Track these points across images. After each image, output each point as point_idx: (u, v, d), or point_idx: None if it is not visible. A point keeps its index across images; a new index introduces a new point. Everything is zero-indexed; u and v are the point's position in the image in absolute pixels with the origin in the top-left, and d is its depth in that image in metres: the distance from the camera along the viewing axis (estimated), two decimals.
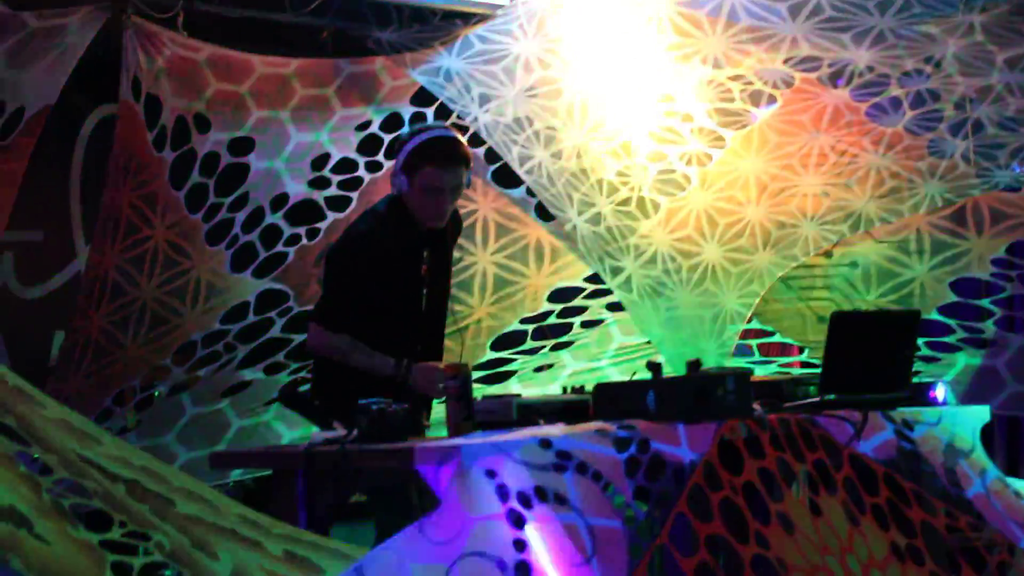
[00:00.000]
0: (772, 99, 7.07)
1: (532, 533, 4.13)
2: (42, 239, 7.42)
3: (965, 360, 7.25)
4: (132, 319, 6.74)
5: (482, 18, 7.02)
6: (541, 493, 4.23)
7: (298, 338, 7.20)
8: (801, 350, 7.81)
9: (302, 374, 7.19)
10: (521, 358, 7.58)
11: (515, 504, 4.16)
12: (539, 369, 7.62)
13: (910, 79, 6.81)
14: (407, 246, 5.68)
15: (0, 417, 3.39)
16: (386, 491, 5.28)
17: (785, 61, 6.84)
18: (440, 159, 5.60)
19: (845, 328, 5.27)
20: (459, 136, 5.80)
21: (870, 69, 6.80)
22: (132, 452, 3.64)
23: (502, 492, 4.16)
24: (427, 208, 5.63)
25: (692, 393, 4.75)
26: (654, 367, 4.95)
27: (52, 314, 7.32)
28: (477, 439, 4.40)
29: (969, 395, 7.00)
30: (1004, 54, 6.59)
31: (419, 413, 4.69)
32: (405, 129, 5.72)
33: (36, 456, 3.43)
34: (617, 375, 7.43)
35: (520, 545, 4.09)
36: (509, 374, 7.51)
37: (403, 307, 5.67)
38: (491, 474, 4.18)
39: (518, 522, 4.13)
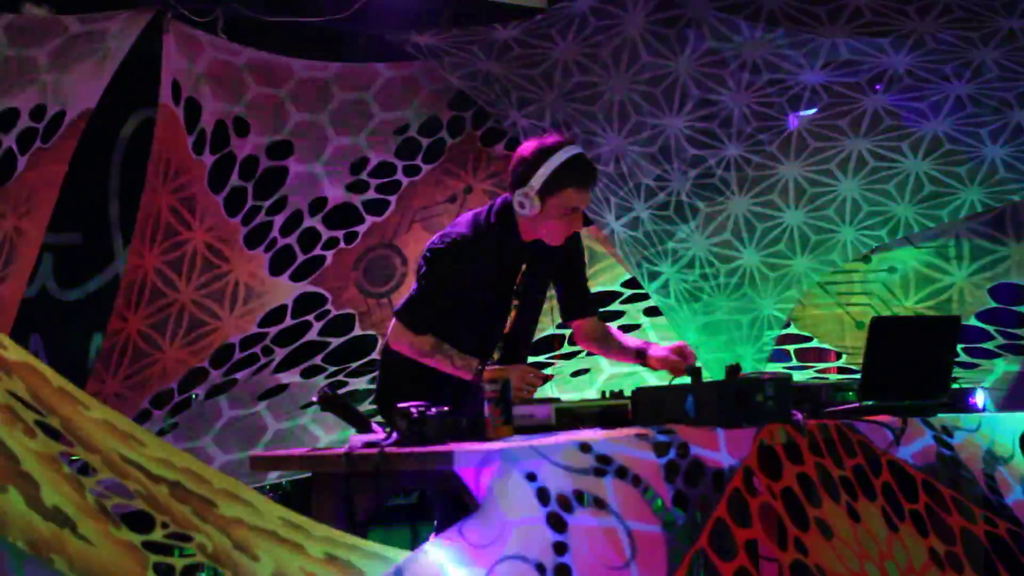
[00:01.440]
0: (811, 103, 7.05)
1: (572, 537, 4.13)
2: (81, 241, 7.45)
3: (1004, 366, 7.23)
4: (170, 321, 6.78)
5: (521, 21, 7.01)
6: (581, 497, 4.23)
7: (336, 341, 7.23)
8: (838, 356, 7.79)
9: (339, 378, 7.22)
10: (559, 362, 7.57)
11: (555, 507, 4.15)
12: (576, 373, 7.62)
13: (949, 84, 6.78)
14: (507, 260, 5.48)
15: (44, 417, 3.39)
16: (440, 494, 5.27)
17: (824, 66, 6.82)
18: (583, 181, 5.37)
19: (885, 334, 5.24)
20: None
21: (909, 74, 6.78)
22: (174, 453, 3.64)
23: (542, 495, 4.15)
24: (560, 229, 5.39)
25: (732, 398, 4.73)
26: (693, 372, 4.94)
27: (90, 316, 7.37)
28: (517, 442, 4.40)
29: (1008, 401, 6.98)
30: None
31: (460, 415, 4.66)
32: (529, 146, 5.42)
33: (75, 457, 3.44)
34: (654, 380, 7.42)
35: (560, 548, 4.08)
36: (546, 378, 7.51)
37: (489, 321, 5.51)
38: (531, 477, 4.18)
39: (558, 525, 4.12)
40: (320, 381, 7.16)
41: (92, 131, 6.48)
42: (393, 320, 5.50)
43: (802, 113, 7.17)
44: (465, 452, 4.23)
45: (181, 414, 6.96)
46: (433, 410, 4.53)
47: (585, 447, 4.35)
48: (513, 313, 5.53)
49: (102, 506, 3.31)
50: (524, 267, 5.52)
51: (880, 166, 7.13)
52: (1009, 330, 7.26)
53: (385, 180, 7.26)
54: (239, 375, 7.04)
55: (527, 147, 5.40)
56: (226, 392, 7.05)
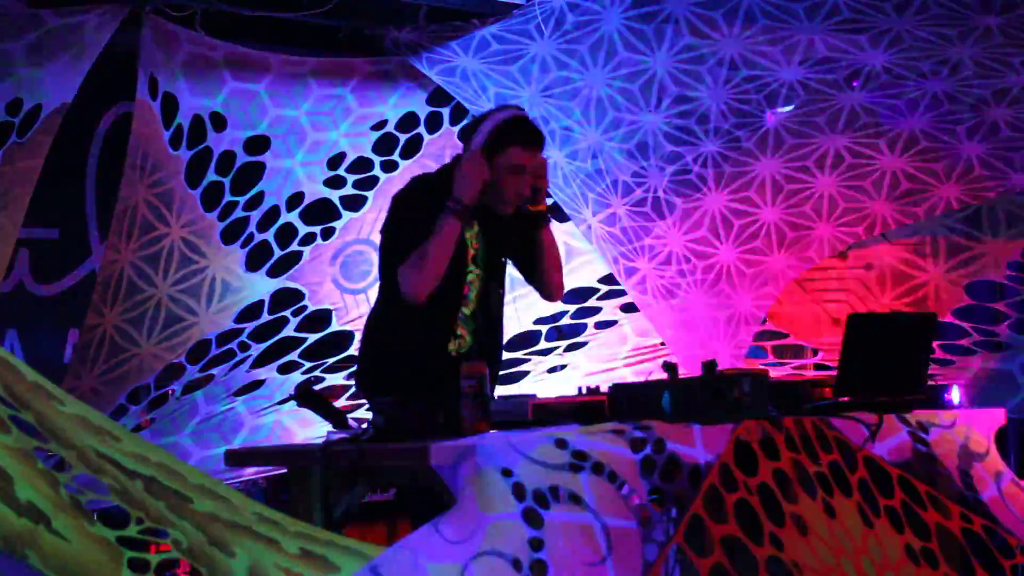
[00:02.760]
0: (788, 100, 7.06)
1: (548, 532, 4.13)
2: (57, 237, 7.43)
3: (980, 364, 7.25)
4: (147, 317, 6.76)
5: (498, 18, 7.01)
6: (557, 493, 4.23)
7: (312, 337, 7.22)
8: (814, 352, 7.80)
9: (316, 373, 7.21)
10: (535, 358, 7.58)
11: (531, 503, 4.15)
12: (552, 370, 7.62)
13: (926, 81, 6.79)
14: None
15: (19, 412, 3.39)
16: (416, 489, 5.26)
17: (801, 62, 6.82)
18: (526, 140, 5.41)
19: (861, 330, 5.26)
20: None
21: (886, 71, 6.79)
22: (150, 448, 3.64)
23: (518, 491, 4.16)
24: (508, 190, 5.40)
25: (708, 394, 4.74)
26: (670, 368, 4.94)
27: (67, 312, 7.33)
28: (493, 438, 4.40)
29: (983, 398, 7.00)
30: (1021, 56, 6.57)
31: (437, 412, 4.66)
32: (474, 113, 5.56)
33: (51, 452, 3.43)
34: (631, 376, 7.43)
35: (536, 544, 4.09)
36: (523, 374, 7.51)
37: (451, 283, 5.41)
38: (507, 473, 4.18)
39: (534, 521, 4.13)
40: (297, 377, 7.14)
41: (69, 126, 6.45)
42: (398, 276, 5.38)
43: (779, 110, 7.17)
44: (441, 447, 4.23)
45: (158, 410, 6.93)
46: (410, 405, 4.54)
47: (561, 443, 4.35)
48: (475, 281, 5.51)
49: (76, 502, 3.31)
50: (476, 228, 5.47)
51: (857, 163, 7.14)
52: (985, 327, 7.28)
53: (363, 176, 7.25)
54: (215, 371, 7.02)
55: (485, 111, 5.53)
56: (202, 388, 7.03)
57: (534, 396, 5.06)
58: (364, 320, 5.87)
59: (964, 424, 5.49)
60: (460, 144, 5.54)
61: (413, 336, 5.37)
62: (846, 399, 5.17)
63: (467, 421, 4.68)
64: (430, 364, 5.31)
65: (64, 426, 3.46)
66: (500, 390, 6.33)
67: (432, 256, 5.28)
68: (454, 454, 4.20)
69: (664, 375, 4.99)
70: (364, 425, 4.68)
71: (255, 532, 3.62)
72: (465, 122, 5.57)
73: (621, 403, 4.88)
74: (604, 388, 5.11)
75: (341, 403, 6.98)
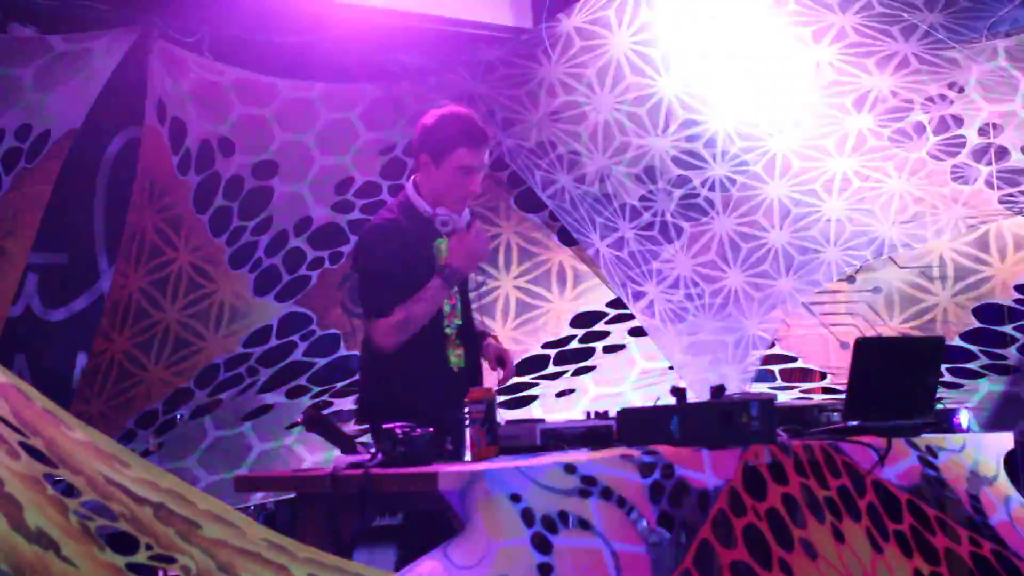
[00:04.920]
0: (796, 123, 7.05)
1: (557, 558, 4.13)
2: (66, 261, 7.43)
3: (988, 387, 7.24)
4: (155, 342, 6.75)
5: (506, 42, 7.02)
6: (566, 518, 4.23)
7: (321, 361, 7.22)
8: (822, 376, 7.79)
9: (324, 398, 7.21)
10: (543, 383, 7.57)
11: (540, 528, 4.16)
12: (561, 394, 7.62)
13: (934, 104, 6.79)
14: (425, 239, 5.59)
15: (27, 439, 3.38)
16: (421, 515, 5.27)
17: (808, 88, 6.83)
18: (472, 140, 5.58)
19: (869, 354, 5.26)
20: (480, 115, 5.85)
21: (893, 94, 6.79)
22: (159, 475, 3.63)
23: (527, 516, 4.16)
24: (458, 189, 5.58)
25: (716, 419, 4.74)
26: (678, 392, 4.95)
27: (75, 336, 7.32)
28: (502, 463, 4.40)
29: (992, 422, 6.99)
30: None
31: (444, 437, 4.66)
32: (424, 119, 5.69)
33: (58, 478, 3.42)
34: (639, 400, 7.42)
35: (545, 569, 4.09)
36: (531, 399, 7.51)
37: None
38: (516, 498, 4.18)
39: (543, 547, 4.13)
40: (305, 402, 7.14)
41: (77, 151, 6.46)
42: (369, 327, 5.51)
43: (787, 133, 7.16)
44: (450, 473, 4.23)
45: (166, 434, 6.93)
46: (418, 431, 4.54)
47: (570, 468, 4.36)
48: (456, 294, 5.64)
49: (86, 528, 3.30)
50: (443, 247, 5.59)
51: (865, 186, 7.14)
52: (993, 350, 7.26)
53: (370, 200, 7.24)
54: (224, 395, 7.02)
55: (424, 116, 5.69)
56: (211, 413, 7.03)
57: (542, 421, 5.07)
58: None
59: (973, 448, 5.49)
60: (422, 154, 5.66)
61: (415, 360, 5.42)
62: (855, 423, 5.16)
63: (475, 446, 4.69)
64: (437, 383, 5.35)
65: (73, 452, 3.45)
66: (508, 414, 6.35)
67: (419, 323, 5.46)
68: (463, 479, 4.20)
69: (673, 400, 5.00)
70: (372, 450, 4.68)
71: (264, 558, 3.60)
72: (418, 131, 5.66)
73: (629, 428, 4.88)
74: (612, 412, 5.12)
75: (349, 428, 6.97)
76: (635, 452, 4.55)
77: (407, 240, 5.53)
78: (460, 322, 5.62)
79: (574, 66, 6.96)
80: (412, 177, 5.72)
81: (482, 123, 5.71)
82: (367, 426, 5.54)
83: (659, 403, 5.55)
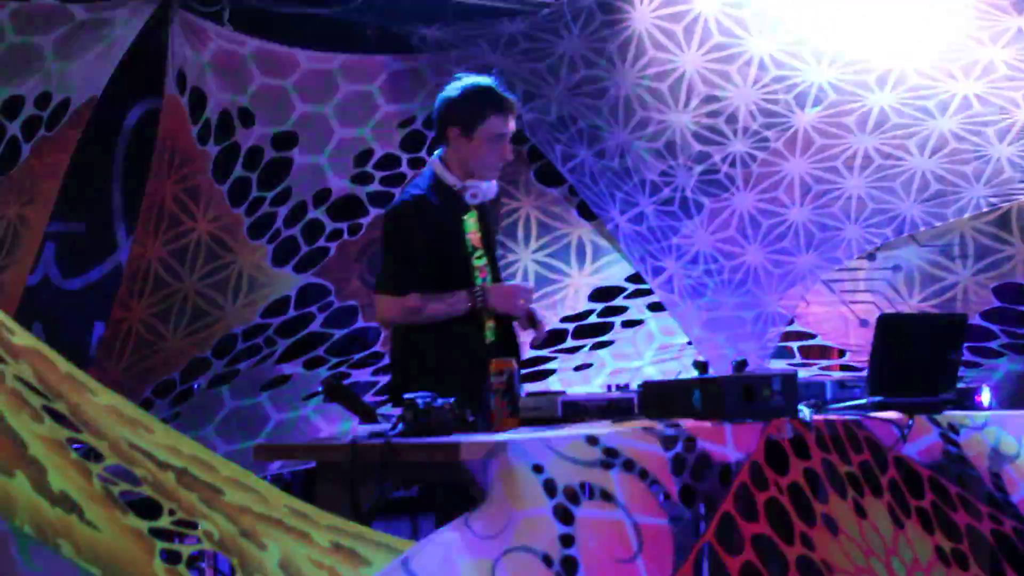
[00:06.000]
0: (817, 100, 7.00)
1: (579, 529, 4.11)
2: (84, 230, 7.43)
3: (1007, 366, 7.21)
4: (173, 311, 6.76)
5: (527, 15, 6.98)
6: (588, 490, 4.22)
7: (338, 332, 7.22)
8: (840, 354, 7.77)
9: (342, 369, 7.20)
10: (561, 356, 7.56)
11: (562, 499, 4.14)
12: (578, 368, 7.60)
13: (956, 82, 6.74)
14: (454, 214, 5.62)
15: (51, 403, 3.38)
16: (437, 488, 5.28)
17: (831, 63, 6.77)
18: (502, 108, 5.62)
19: (893, 331, 5.25)
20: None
21: (916, 72, 6.74)
22: (182, 440, 3.62)
23: (549, 487, 4.15)
24: (490, 157, 5.62)
25: (739, 392, 4.72)
26: (701, 366, 4.93)
27: (92, 305, 7.33)
28: (523, 434, 4.39)
29: (1010, 401, 6.95)
30: None
31: (465, 408, 4.64)
32: (446, 92, 5.70)
33: (77, 444, 3.42)
34: (656, 375, 7.40)
35: (567, 540, 4.08)
36: (549, 372, 7.49)
37: (460, 275, 5.61)
38: (538, 469, 4.17)
39: (565, 518, 4.12)
40: (322, 373, 7.13)
41: (95, 120, 6.44)
42: (376, 296, 5.54)
43: (809, 109, 7.12)
44: (472, 443, 4.22)
45: (183, 404, 6.93)
46: (439, 401, 4.53)
47: (592, 440, 4.35)
48: (486, 266, 5.69)
49: (109, 492, 3.30)
50: (473, 221, 5.65)
51: (886, 164, 7.10)
52: (1013, 329, 7.24)
53: (390, 172, 7.23)
54: (241, 365, 7.01)
55: (446, 90, 5.73)
56: (228, 382, 7.03)
57: (564, 393, 5.05)
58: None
59: (995, 426, 5.47)
60: (451, 128, 5.67)
61: (450, 333, 5.44)
62: (877, 399, 5.14)
63: (496, 417, 4.68)
64: (470, 356, 5.35)
65: (96, 417, 3.45)
66: (527, 387, 6.34)
67: (426, 320, 5.51)
68: (485, 450, 4.18)
69: (695, 373, 4.99)
70: (393, 420, 4.67)
71: (286, 525, 3.60)
72: (443, 106, 5.68)
73: (651, 401, 4.87)
74: (632, 387, 5.11)
75: (368, 398, 6.97)
76: (657, 424, 4.54)
77: (436, 217, 5.55)
78: None
79: (596, 40, 6.92)
80: (439, 151, 5.69)
81: (505, 90, 5.72)
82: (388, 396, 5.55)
83: (681, 376, 5.53)
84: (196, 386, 6.96)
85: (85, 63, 6.23)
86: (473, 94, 5.65)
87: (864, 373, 6.85)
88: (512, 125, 5.68)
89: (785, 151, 7.16)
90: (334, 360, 7.19)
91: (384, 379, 7.15)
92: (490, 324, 5.55)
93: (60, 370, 3.47)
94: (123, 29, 6.25)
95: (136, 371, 6.72)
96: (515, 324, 5.74)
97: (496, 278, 5.71)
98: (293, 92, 6.93)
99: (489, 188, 5.65)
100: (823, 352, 7.80)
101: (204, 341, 6.87)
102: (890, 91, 6.78)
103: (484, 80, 5.75)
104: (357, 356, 7.25)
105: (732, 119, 7.08)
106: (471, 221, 5.59)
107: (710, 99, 7.01)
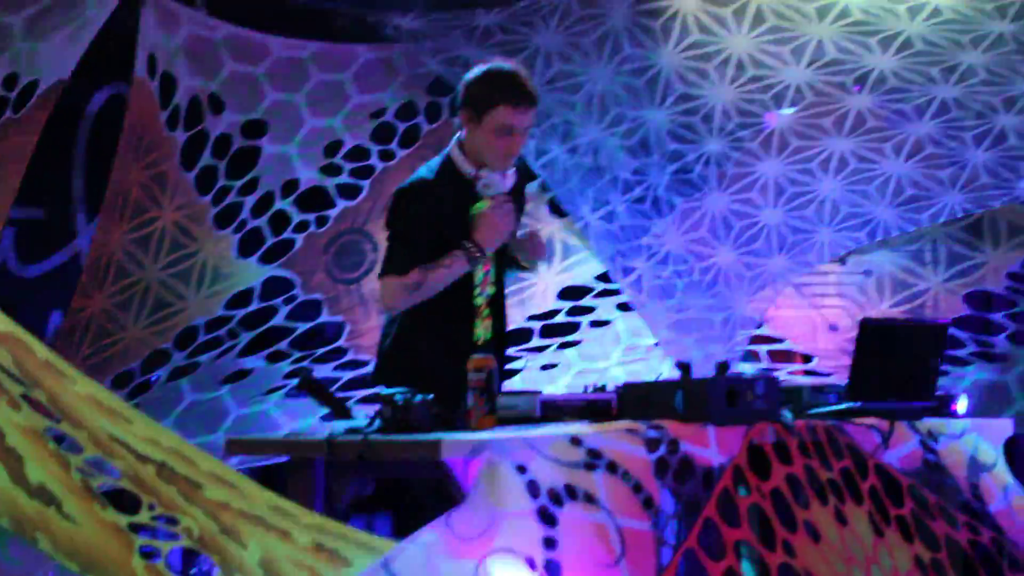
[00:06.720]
0: (794, 101, 6.95)
1: (562, 532, 4.03)
2: (43, 217, 7.30)
3: (975, 375, 7.18)
4: (135, 301, 6.64)
5: (503, 7, 6.90)
6: (571, 491, 4.13)
7: (302, 326, 7.11)
8: (806, 359, 7.71)
9: (305, 364, 7.09)
10: (527, 355, 7.47)
11: (546, 501, 4.05)
12: (545, 368, 7.52)
13: (934, 86, 6.69)
14: (461, 203, 5.31)
15: (29, 391, 3.27)
16: (403, 484, 5.15)
17: (809, 64, 6.72)
18: (514, 99, 5.27)
19: (874, 336, 5.19)
20: (527, 73, 5.47)
21: (895, 75, 6.69)
22: (161, 432, 3.52)
23: (532, 488, 4.05)
24: (497, 149, 5.29)
25: (722, 395, 4.64)
26: (683, 367, 4.84)
27: (49, 294, 7.21)
28: (506, 433, 4.30)
29: (977, 411, 6.91)
30: None
31: (446, 406, 4.54)
32: (469, 72, 5.42)
33: (61, 432, 3.31)
34: (623, 376, 7.32)
35: (550, 543, 3.99)
36: (514, 372, 7.40)
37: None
38: (521, 469, 4.07)
39: (548, 520, 4.02)
40: (284, 367, 7.03)
41: (58, 104, 6.31)
42: (379, 282, 5.35)
43: (781, 112, 7.07)
44: (453, 442, 4.12)
45: (141, 396, 6.80)
46: (419, 397, 4.43)
47: (576, 440, 4.26)
48: (490, 261, 5.37)
49: (88, 485, 3.19)
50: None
51: (861, 167, 7.05)
52: (982, 337, 7.21)
53: (359, 164, 7.14)
54: (202, 358, 6.90)
55: (474, 68, 5.43)
56: (188, 375, 6.90)
57: (540, 393, 4.97)
58: (356, 311, 5.75)
59: (973, 434, 5.43)
60: (462, 110, 5.38)
61: (440, 330, 5.30)
62: (857, 404, 5.08)
63: (473, 415, 4.58)
64: (458, 355, 5.19)
65: (75, 406, 3.34)
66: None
67: (431, 291, 5.28)
68: (467, 448, 4.09)
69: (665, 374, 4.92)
70: (370, 416, 4.57)
71: (267, 523, 3.51)
72: (461, 86, 5.41)
73: (631, 402, 4.78)
74: (608, 388, 5.03)
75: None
76: (640, 426, 4.45)
77: (440, 203, 5.30)
78: (493, 291, 5.34)
79: (572, 35, 6.85)
80: (457, 135, 5.43)
81: (529, 82, 5.37)
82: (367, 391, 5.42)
83: (662, 378, 5.46)
84: (155, 378, 6.83)
85: (54, 44, 6.10)
86: (488, 78, 5.32)
87: (832, 378, 6.86)
88: (527, 120, 5.33)
89: (760, 151, 7.11)
90: (297, 354, 7.08)
91: (347, 374, 7.05)
92: (485, 324, 5.33)
93: (38, 356, 3.37)
94: (95, 10, 6.12)
95: (95, 362, 6.58)
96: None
97: (500, 274, 5.50)
98: (264, 79, 6.83)
99: (503, 181, 5.32)
100: (787, 356, 7.74)
101: (166, 332, 6.75)
102: (868, 93, 6.74)
103: (507, 66, 5.38)
104: (321, 351, 7.14)
105: (708, 118, 7.02)
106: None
107: (686, 97, 6.95)
